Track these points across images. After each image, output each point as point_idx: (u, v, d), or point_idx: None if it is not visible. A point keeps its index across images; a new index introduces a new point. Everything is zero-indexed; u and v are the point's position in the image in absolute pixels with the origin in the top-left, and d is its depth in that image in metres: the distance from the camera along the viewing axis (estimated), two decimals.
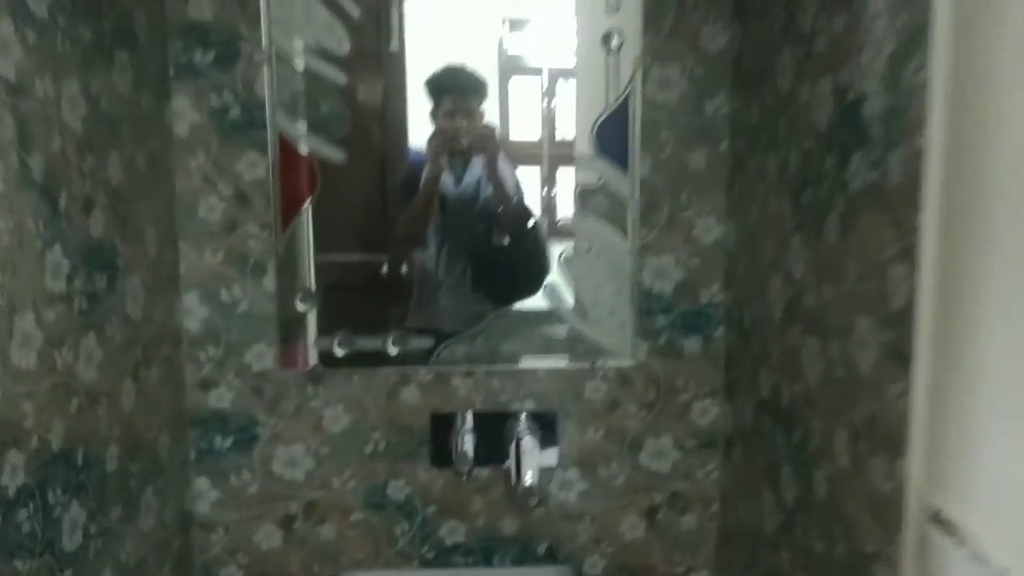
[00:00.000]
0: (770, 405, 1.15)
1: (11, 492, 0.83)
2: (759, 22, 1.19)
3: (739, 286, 1.29)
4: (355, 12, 1.25)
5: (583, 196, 1.32)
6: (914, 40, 0.77)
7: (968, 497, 0.70)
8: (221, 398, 1.32)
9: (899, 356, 0.79)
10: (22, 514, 0.85)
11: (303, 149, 1.26)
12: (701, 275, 1.35)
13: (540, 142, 1.34)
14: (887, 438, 0.81)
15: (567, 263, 1.33)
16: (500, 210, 1.32)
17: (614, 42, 1.27)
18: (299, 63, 1.24)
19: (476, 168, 1.32)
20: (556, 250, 1.33)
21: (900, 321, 0.79)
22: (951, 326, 0.72)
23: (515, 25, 1.31)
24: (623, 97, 1.29)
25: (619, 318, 1.35)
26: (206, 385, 1.31)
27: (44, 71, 0.88)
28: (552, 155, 1.33)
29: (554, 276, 1.33)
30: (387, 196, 1.32)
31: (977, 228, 0.68)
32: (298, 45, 1.24)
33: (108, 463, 1.04)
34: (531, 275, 1.34)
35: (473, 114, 1.30)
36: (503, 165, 1.31)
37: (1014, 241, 0.64)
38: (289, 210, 1.27)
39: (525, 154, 1.33)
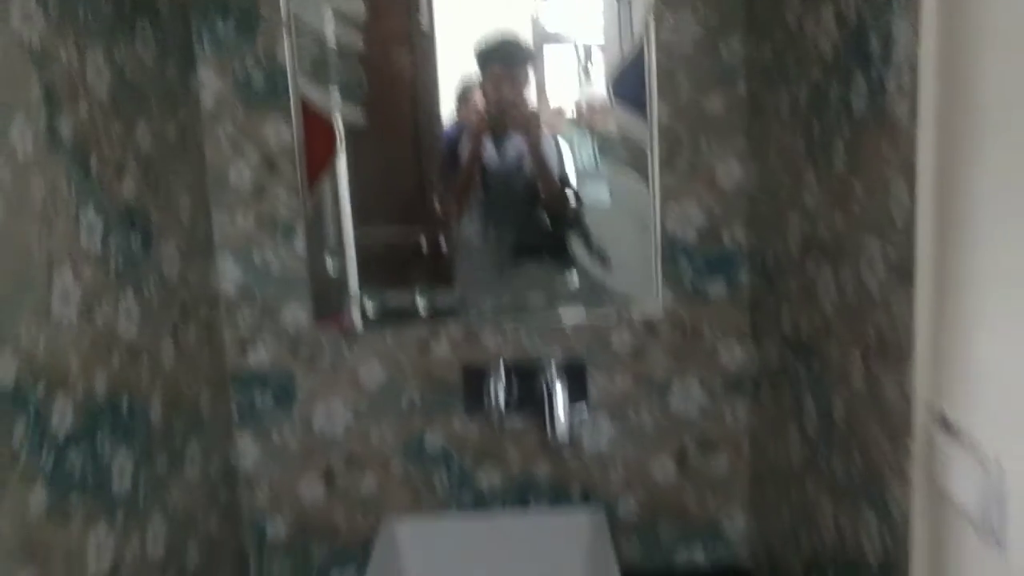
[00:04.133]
0: (792, 340, 1.16)
1: (62, 433, 0.88)
2: None
3: (761, 227, 1.30)
4: None
5: (604, 147, 1.33)
6: None
7: (966, 397, 0.71)
8: (259, 357, 1.37)
9: (902, 271, 0.80)
10: (75, 454, 0.90)
11: (325, 113, 1.30)
12: (723, 218, 1.36)
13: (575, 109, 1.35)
14: (895, 353, 0.83)
15: (591, 213, 1.35)
16: (543, 195, 1.34)
17: None
18: (318, 29, 1.28)
19: (517, 142, 1.34)
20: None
21: (902, 237, 0.80)
22: (949, 239, 0.73)
23: None
24: (638, 47, 1.30)
25: (644, 265, 1.37)
26: (244, 345, 1.36)
27: (67, 39, 0.92)
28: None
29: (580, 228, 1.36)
30: (422, 166, 1.36)
31: (971, 142, 0.69)
32: (316, 11, 1.28)
33: (151, 415, 1.09)
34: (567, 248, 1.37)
35: (519, 83, 1.33)
36: (546, 144, 1.34)
37: (1005, 154, 0.65)
38: (315, 174, 1.31)
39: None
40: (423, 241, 1.37)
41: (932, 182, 0.76)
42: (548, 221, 1.37)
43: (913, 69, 0.76)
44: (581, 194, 1.35)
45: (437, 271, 1.38)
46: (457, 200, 1.35)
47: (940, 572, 0.78)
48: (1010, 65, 0.63)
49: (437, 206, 1.36)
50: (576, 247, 1.36)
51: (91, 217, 0.96)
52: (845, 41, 0.92)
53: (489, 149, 1.34)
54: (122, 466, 1.01)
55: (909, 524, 0.81)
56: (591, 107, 1.33)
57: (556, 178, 1.35)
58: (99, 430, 0.96)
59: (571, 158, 1.35)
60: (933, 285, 0.76)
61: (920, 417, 0.79)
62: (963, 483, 0.71)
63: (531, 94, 1.33)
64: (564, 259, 1.37)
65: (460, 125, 1.33)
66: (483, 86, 1.32)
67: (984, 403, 0.69)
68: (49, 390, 0.86)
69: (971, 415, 0.71)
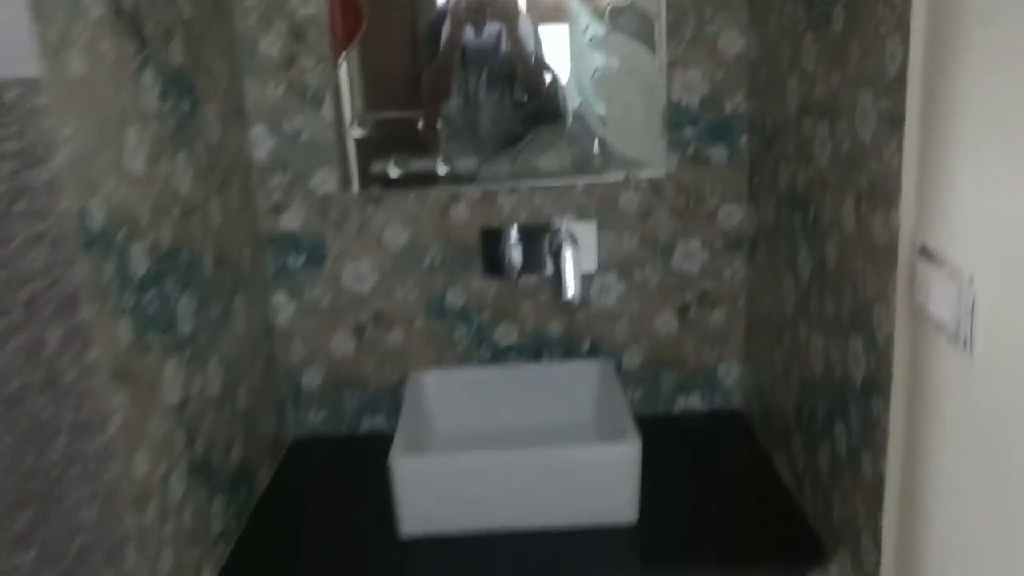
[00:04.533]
0: (788, 196, 1.27)
1: (139, 276, 0.98)
2: None
3: (761, 94, 1.38)
4: None
5: (613, 15, 1.40)
6: None
7: (947, 229, 0.82)
8: (291, 220, 1.46)
9: (893, 119, 0.90)
10: (150, 295, 1.01)
11: None
12: (725, 87, 1.44)
13: None
14: (885, 195, 0.93)
15: (600, 82, 1.43)
16: (519, 71, 1.41)
17: None
18: None
19: (497, 26, 1.40)
20: (590, 68, 1.43)
21: (894, 88, 0.89)
22: (936, 88, 0.83)
23: None
24: None
25: (650, 132, 1.45)
26: (277, 209, 1.46)
27: None
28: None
29: (585, 97, 1.44)
30: (416, 48, 1.42)
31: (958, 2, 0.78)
32: None
33: (205, 268, 1.19)
34: (551, 117, 1.45)
35: None
36: (523, 27, 1.40)
37: (986, 12, 0.74)
38: (343, 44, 1.38)
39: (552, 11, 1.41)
40: (421, 117, 1.44)
41: (923, 38, 0.85)
42: (526, 98, 1.44)
43: None
44: (591, 65, 1.43)
45: (437, 143, 1.45)
46: (438, 82, 1.42)
47: (918, 380, 0.90)
48: None
49: (424, 89, 1.43)
50: (585, 114, 1.44)
51: (150, 80, 1.04)
52: None
53: (469, 33, 1.40)
54: (185, 311, 1.12)
55: (892, 343, 0.93)
56: None
57: (532, 59, 1.42)
58: (166, 277, 1.06)
59: (564, 38, 1.42)
60: (920, 131, 0.86)
61: (905, 250, 0.90)
62: (940, 300, 0.83)
63: None
64: (574, 126, 1.46)
65: (445, 9, 1.39)
66: None
67: (960, 230, 0.80)
68: (127, 236, 0.96)
69: (949, 242, 0.82)
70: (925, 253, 0.86)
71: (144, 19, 1.03)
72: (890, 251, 0.92)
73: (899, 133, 0.89)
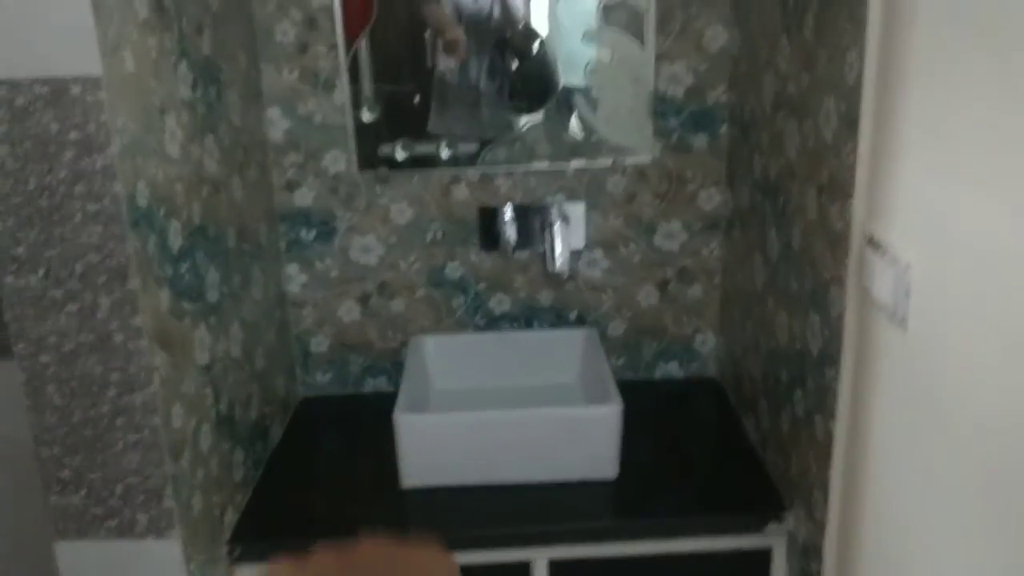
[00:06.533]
0: (761, 183, 1.39)
1: (175, 250, 1.10)
2: None
3: (741, 86, 1.50)
4: None
5: (606, 11, 1.51)
6: None
7: (891, 222, 0.95)
8: (304, 197, 1.58)
9: (851, 122, 1.02)
10: (184, 267, 1.12)
11: None
12: (709, 79, 1.55)
13: None
14: (841, 189, 1.05)
15: (593, 73, 1.54)
16: (508, 35, 1.51)
17: None
18: None
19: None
20: (582, 60, 1.54)
21: (852, 94, 1.01)
22: (887, 98, 0.95)
23: None
24: None
25: (637, 120, 1.57)
26: (291, 186, 1.57)
27: None
28: None
29: (571, 84, 1.54)
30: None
31: (911, 23, 0.89)
32: None
33: (228, 241, 1.31)
34: (540, 89, 1.55)
35: None
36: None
37: (931, 36, 0.85)
38: (352, 34, 1.48)
39: None
40: (417, 96, 1.55)
41: (877, 54, 0.96)
42: (516, 63, 1.54)
43: None
44: (584, 57, 1.53)
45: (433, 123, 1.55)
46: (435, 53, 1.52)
47: (863, 350, 1.03)
48: None
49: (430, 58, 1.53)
50: (578, 103, 1.55)
51: (185, 70, 1.14)
52: None
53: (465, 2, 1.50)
54: (212, 281, 1.23)
55: (843, 320, 1.06)
56: None
57: (519, 22, 1.52)
58: (197, 250, 1.18)
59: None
60: (873, 134, 0.98)
61: (856, 239, 1.03)
62: (882, 284, 0.96)
63: None
64: (566, 114, 1.57)
65: None
66: None
67: (901, 224, 0.93)
68: (166, 215, 1.08)
69: (892, 234, 0.95)
70: (872, 243, 0.98)
71: (180, 14, 1.13)
72: (844, 239, 1.05)
73: (855, 135, 1.01)
